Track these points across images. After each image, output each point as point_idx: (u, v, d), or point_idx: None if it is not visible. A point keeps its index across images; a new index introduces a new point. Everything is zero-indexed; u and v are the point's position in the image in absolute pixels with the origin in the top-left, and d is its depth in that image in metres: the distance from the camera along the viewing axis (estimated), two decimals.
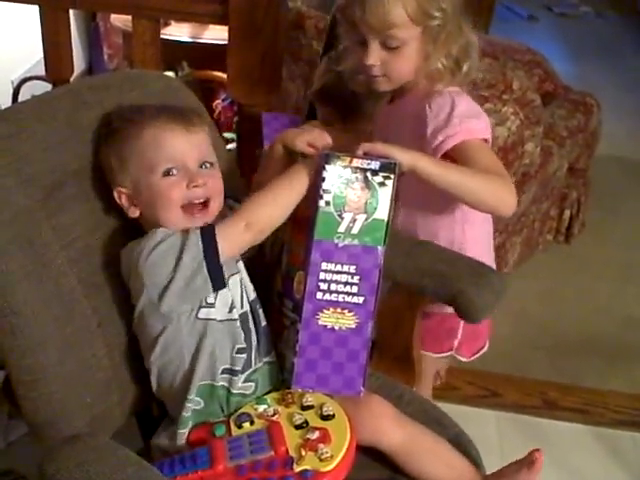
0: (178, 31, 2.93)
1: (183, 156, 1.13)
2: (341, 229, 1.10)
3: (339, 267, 1.11)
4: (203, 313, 1.11)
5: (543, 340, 2.32)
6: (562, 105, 2.58)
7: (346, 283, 1.12)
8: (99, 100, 1.21)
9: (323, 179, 1.09)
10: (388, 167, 1.10)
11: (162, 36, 1.91)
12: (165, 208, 1.12)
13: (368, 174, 1.09)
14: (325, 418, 1.11)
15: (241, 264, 1.18)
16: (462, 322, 1.50)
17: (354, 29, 1.30)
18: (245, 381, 1.15)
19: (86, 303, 1.13)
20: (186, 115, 1.17)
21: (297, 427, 1.09)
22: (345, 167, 1.09)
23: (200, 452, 1.06)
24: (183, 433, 1.13)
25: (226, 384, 1.14)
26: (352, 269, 1.11)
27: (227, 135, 2.72)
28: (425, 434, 1.23)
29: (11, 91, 2.75)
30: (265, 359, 1.18)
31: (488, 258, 1.49)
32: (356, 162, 1.09)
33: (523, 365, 2.20)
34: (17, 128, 1.10)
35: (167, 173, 1.12)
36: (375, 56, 1.30)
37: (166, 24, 2.85)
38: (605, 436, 2.00)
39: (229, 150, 2.42)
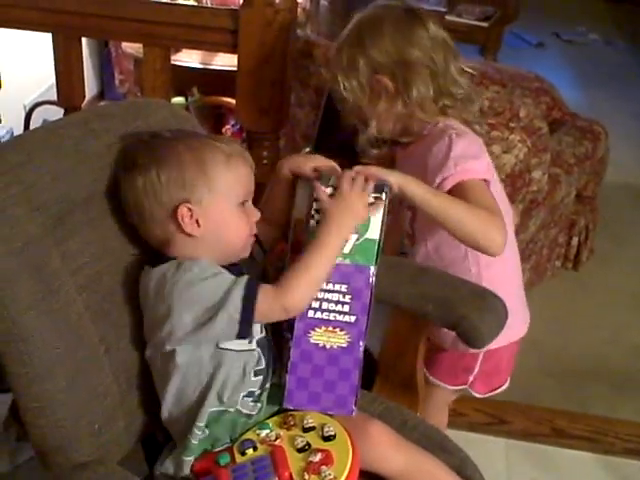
0: (188, 57, 2.96)
1: (251, 190, 1.18)
2: None
3: (330, 286, 1.12)
4: (224, 343, 1.12)
5: (551, 367, 2.31)
6: (569, 132, 2.59)
7: (337, 302, 1.12)
8: (106, 128, 1.22)
9: (315, 200, 1.12)
10: (378, 188, 1.12)
11: (172, 62, 1.93)
12: (233, 235, 1.15)
13: None
14: (327, 439, 1.11)
15: None
16: (479, 361, 1.51)
17: None
18: (254, 401, 1.16)
19: (94, 330, 1.13)
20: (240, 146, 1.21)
21: (299, 450, 1.09)
22: (335, 187, 1.12)
23: None
24: (189, 461, 1.13)
25: (239, 407, 1.14)
26: (344, 288, 1.12)
27: None
28: (427, 459, 1.22)
29: (23, 115, 2.78)
30: (273, 380, 1.18)
31: (513, 300, 1.42)
32: None
33: (531, 392, 2.18)
34: (27, 157, 1.12)
35: (242, 204, 1.16)
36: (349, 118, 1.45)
37: (177, 50, 2.88)
38: (614, 465, 1.98)
39: None
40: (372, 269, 1.12)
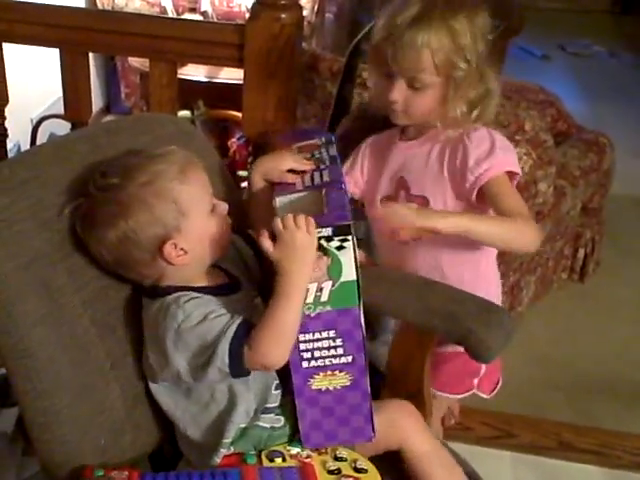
0: (194, 71, 2.97)
1: (210, 189, 1.17)
2: (309, 300, 1.07)
3: (317, 335, 1.08)
4: None
5: (558, 380, 2.30)
6: (575, 145, 2.59)
7: (329, 347, 1.09)
8: (113, 143, 1.23)
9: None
10: (342, 230, 1.05)
11: (178, 76, 1.93)
12: (217, 240, 1.15)
13: (322, 242, 1.05)
14: (358, 471, 1.12)
15: (258, 301, 1.20)
16: None
17: (383, 64, 1.34)
18: (276, 415, 1.16)
19: (100, 344, 1.13)
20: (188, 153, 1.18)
21: (330, 472, 1.10)
22: None
23: (232, 472, 1.05)
24: None
25: (260, 423, 1.15)
26: (332, 334, 1.09)
27: (242, 173, 2.73)
28: (447, 453, 1.26)
29: (30, 129, 2.79)
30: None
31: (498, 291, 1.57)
32: None
33: (538, 405, 2.17)
34: (34, 173, 1.13)
35: (212, 209, 1.15)
36: (399, 93, 1.34)
37: (182, 64, 2.89)
38: (621, 479, 1.97)
39: (243, 188, 2.45)
40: (357, 309, 1.08)
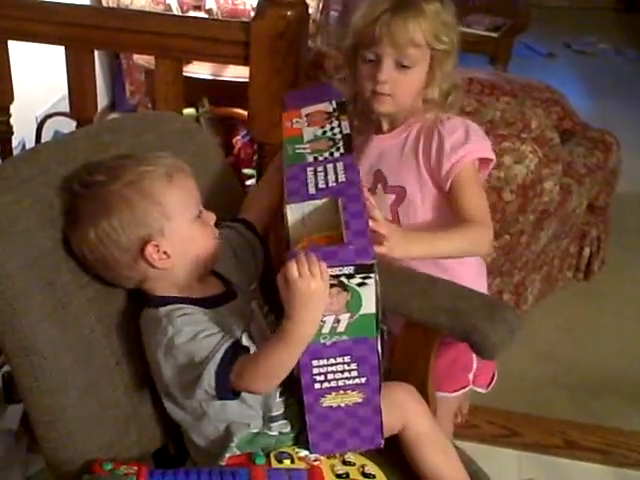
0: (199, 69, 2.97)
1: (199, 198, 1.16)
2: (325, 330, 1.03)
3: (332, 360, 1.05)
4: None
5: (564, 379, 2.29)
6: (581, 143, 2.58)
7: (343, 371, 1.06)
8: (116, 141, 1.23)
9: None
10: (365, 269, 0.99)
11: (183, 73, 1.93)
12: (202, 248, 1.14)
13: (343, 279, 0.99)
14: (366, 476, 1.12)
15: (255, 304, 1.20)
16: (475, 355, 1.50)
17: (368, 47, 1.37)
18: (283, 419, 1.16)
19: (105, 342, 1.13)
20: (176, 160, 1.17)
21: (338, 476, 1.09)
22: None
23: (240, 471, 1.05)
24: None
25: (269, 432, 1.14)
26: (347, 359, 1.05)
27: (247, 171, 2.73)
28: (445, 439, 1.27)
29: (35, 127, 2.79)
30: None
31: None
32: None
33: (544, 404, 2.17)
34: (39, 170, 1.13)
35: (199, 215, 1.14)
36: (387, 73, 1.36)
37: (187, 62, 2.89)
38: (627, 477, 1.96)
39: (248, 186, 2.44)
40: (375, 339, 1.05)
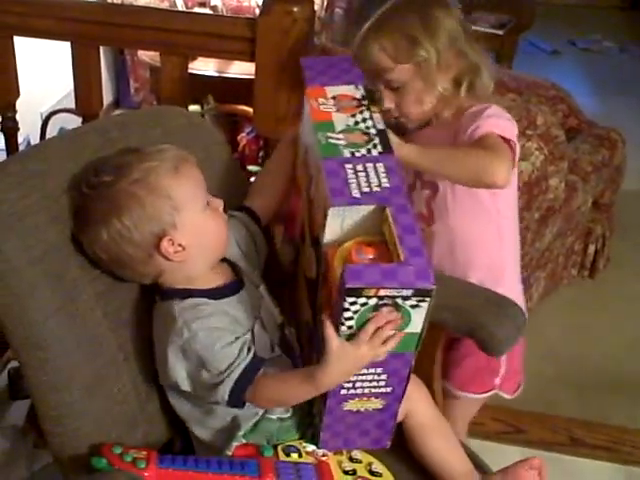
0: (204, 66, 2.97)
1: (205, 186, 1.16)
2: None
3: (364, 370, 1.03)
4: None
5: (569, 377, 2.29)
6: (586, 140, 2.58)
7: (372, 380, 1.05)
8: (124, 136, 1.23)
9: (344, 309, 0.96)
10: (424, 293, 0.95)
11: (189, 70, 1.93)
12: (215, 236, 1.15)
13: (398, 300, 0.96)
14: (373, 474, 1.13)
15: (262, 289, 1.21)
16: (504, 360, 1.50)
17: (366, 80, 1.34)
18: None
19: (112, 337, 1.13)
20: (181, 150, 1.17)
21: (345, 472, 1.10)
22: (370, 297, 0.95)
23: (249, 462, 1.06)
24: None
25: (269, 415, 1.15)
26: (379, 370, 1.04)
27: (252, 168, 2.73)
28: (449, 428, 1.28)
29: (40, 123, 2.79)
30: None
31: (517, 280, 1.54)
32: (383, 292, 0.94)
33: (548, 402, 2.17)
34: (46, 166, 1.12)
35: (207, 203, 1.14)
36: (388, 100, 1.36)
37: (193, 58, 2.89)
38: (633, 475, 1.96)
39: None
40: (413, 354, 1.03)
